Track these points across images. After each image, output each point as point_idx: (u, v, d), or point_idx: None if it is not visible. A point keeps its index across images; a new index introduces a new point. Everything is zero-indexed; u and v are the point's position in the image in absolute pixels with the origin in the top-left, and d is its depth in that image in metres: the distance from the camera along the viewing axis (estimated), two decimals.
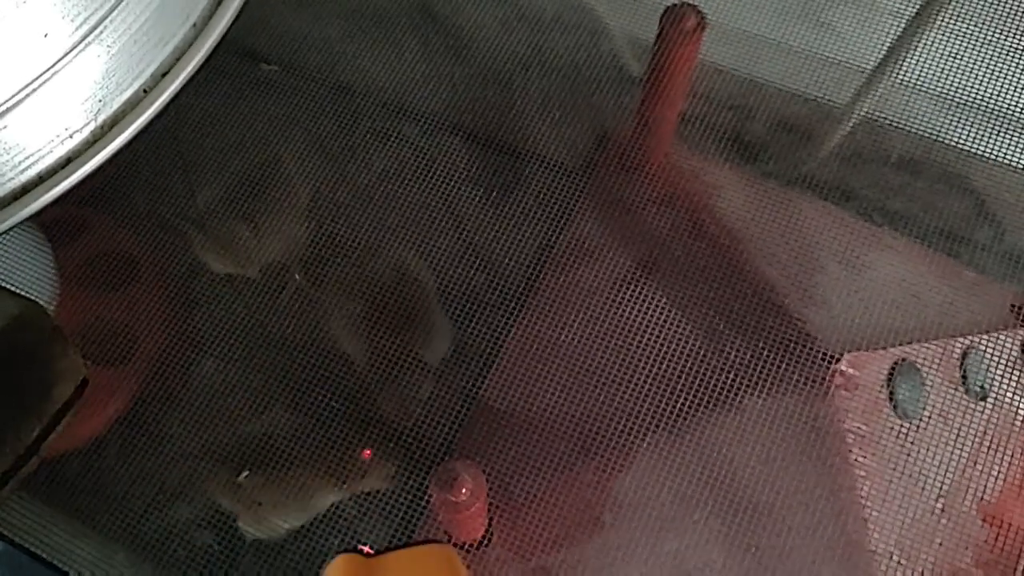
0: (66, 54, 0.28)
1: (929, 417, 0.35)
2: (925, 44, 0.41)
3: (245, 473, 0.36)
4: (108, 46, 0.29)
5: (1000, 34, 0.41)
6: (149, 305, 0.40)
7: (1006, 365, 0.36)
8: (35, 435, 0.30)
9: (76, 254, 0.42)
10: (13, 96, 0.28)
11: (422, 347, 0.38)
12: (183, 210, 0.42)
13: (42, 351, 0.30)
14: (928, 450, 0.34)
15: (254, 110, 0.44)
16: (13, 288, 0.34)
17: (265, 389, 0.38)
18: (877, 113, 0.41)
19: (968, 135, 0.40)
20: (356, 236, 0.41)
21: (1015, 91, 0.40)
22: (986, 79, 0.41)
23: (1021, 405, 0.35)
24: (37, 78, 0.28)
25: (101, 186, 0.43)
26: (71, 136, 0.29)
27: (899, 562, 0.33)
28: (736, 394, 0.35)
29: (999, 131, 0.40)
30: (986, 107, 0.40)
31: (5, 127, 0.28)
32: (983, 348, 0.36)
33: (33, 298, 0.32)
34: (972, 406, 0.35)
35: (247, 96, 0.44)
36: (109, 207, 0.43)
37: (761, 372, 0.36)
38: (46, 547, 0.36)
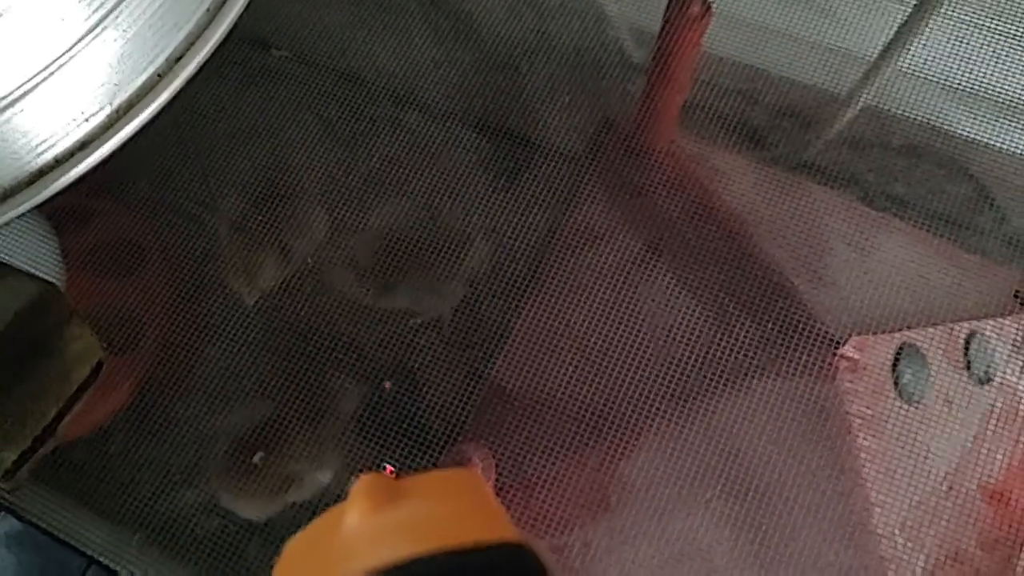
0: (82, 38, 0.28)
1: (933, 401, 0.35)
2: (928, 32, 0.42)
3: (260, 454, 0.36)
4: (123, 31, 0.29)
5: (1002, 21, 0.41)
6: (156, 292, 0.40)
7: (1009, 350, 0.36)
8: (53, 416, 0.30)
9: (83, 242, 0.42)
10: (30, 80, 0.28)
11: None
12: (192, 197, 0.42)
13: (60, 333, 0.30)
14: (932, 433, 0.35)
15: (264, 97, 0.44)
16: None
17: (274, 373, 0.38)
18: (880, 100, 0.41)
19: (971, 122, 0.40)
20: (366, 220, 0.41)
21: (1018, 78, 0.40)
22: (989, 66, 0.41)
23: None
24: (53, 62, 0.28)
25: (110, 174, 0.43)
26: (87, 120, 0.29)
27: (904, 543, 0.33)
28: (743, 376, 0.36)
29: (1002, 118, 0.40)
30: (989, 94, 0.40)
31: (22, 111, 0.28)
32: (987, 333, 0.36)
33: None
34: (976, 390, 0.35)
35: (257, 83, 0.44)
36: (116, 195, 0.43)
37: (768, 354, 0.36)
38: (58, 531, 0.36)
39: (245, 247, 0.41)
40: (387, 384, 0.37)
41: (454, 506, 0.17)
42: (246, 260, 0.40)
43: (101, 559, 0.35)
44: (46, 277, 0.37)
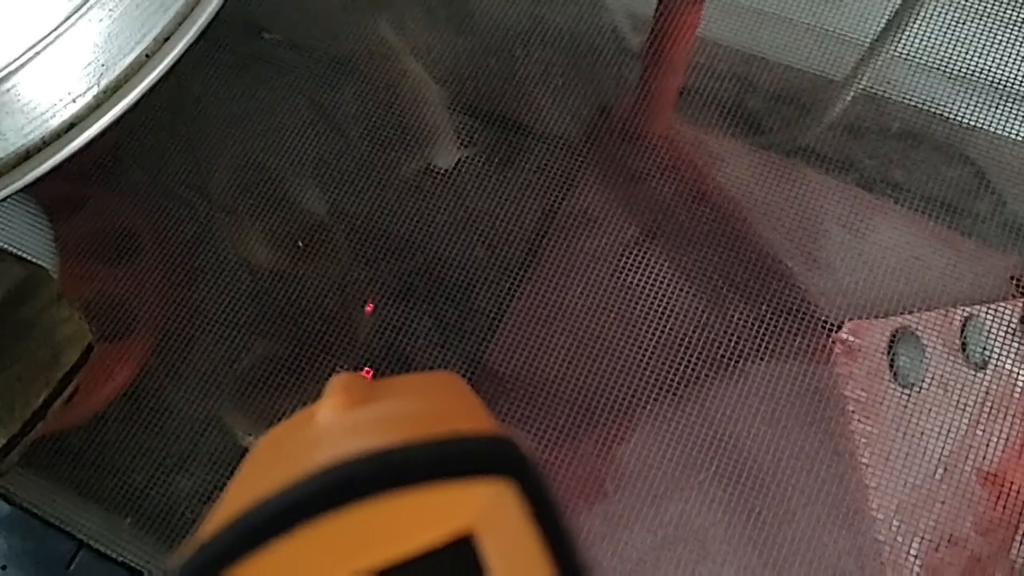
0: (68, 17, 0.28)
1: (929, 385, 0.35)
2: (925, 16, 0.41)
3: (251, 437, 0.36)
4: (110, 10, 0.29)
5: (1000, 5, 0.41)
6: (151, 279, 0.40)
7: (1006, 334, 0.36)
8: (42, 400, 0.30)
9: (76, 229, 0.42)
10: (16, 60, 0.28)
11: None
12: (185, 182, 0.42)
13: (48, 316, 0.30)
14: (928, 417, 0.35)
15: (256, 81, 0.44)
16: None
17: (269, 358, 0.38)
18: (877, 85, 0.41)
19: (969, 107, 0.40)
20: (359, 204, 0.41)
21: (1016, 63, 0.40)
22: (986, 51, 0.41)
23: (1020, 374, 0.35)
24: (40, 41, 0.28)
25: (102, 160, 0.43)
26: (74, 100, 0.29)
27: (899, 527, 0.33)
28: (739, 360, 0.36)
29: (999, 103, 0.40)
30: (987, 79, 0.40)
31: (8, 91, 0.28)
32: (983, 317, 0.36)
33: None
34: (972, 375, 0.35)
35: (249, 67, 0.44)
36: (109, 181, 0.43)
37: (764, 338, 0.36)
38: (50, 516, 0.36)
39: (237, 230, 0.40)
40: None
41: (432, 401, 0.16)
42: (237, 243, 0.40)
43: (93, 544, 0.35)
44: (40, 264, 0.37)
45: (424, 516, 0.13)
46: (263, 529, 0.12)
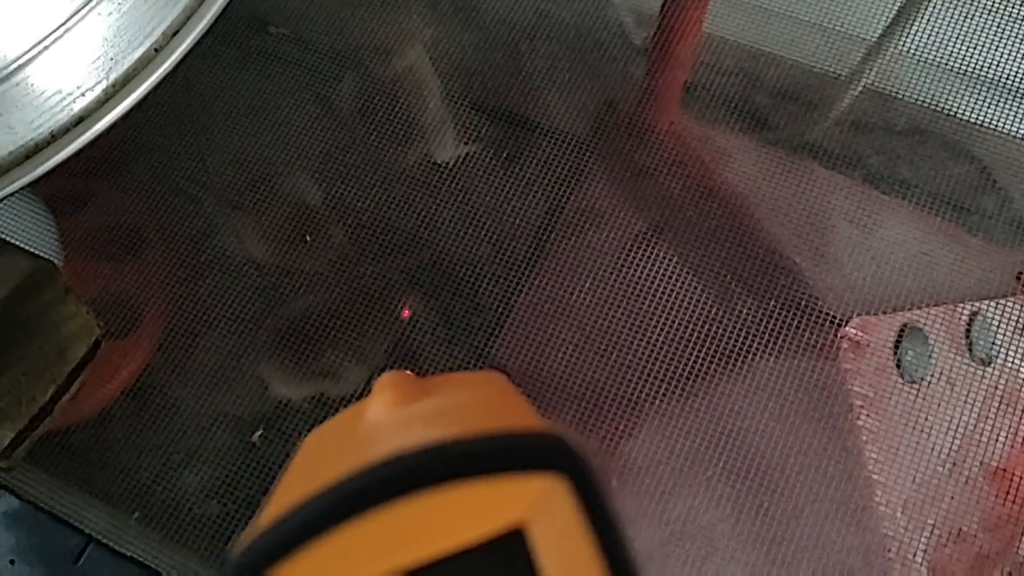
0: (77, 11, 0.28)
1: (935, 381, 0.35)
2: (931, 12, 0.41)
3: (259, 432, 0.36)
4: (119, 4, 0.29)
5: (1006, 2, 0.41)
6: (156, 275, 0.40)
7: (1011, 331, 0.36)
8: (49, 395, 0.30)
9: (81, 225, 0.42)
10: (25, 53, 0.28)
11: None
12: (190, 177, 0.42)
13: (55, 311, 0.30)
14: (934, 413, 0.35)
15: (262, 76, 0.44)
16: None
17: (274, 354, 0.38)
18: (883, 82, 0.41)
19: (974, 104, 0.40)
20: (365, 199, 0.41)
21: (1021, 60, 0.40)
22: (992, 48, 0.41)
23: None
24: (49, 35, 0.28)
25: (107, 156, 0.43)
26: (83, 94, 0.29)
27: (906, 523, 0.33)
28: (746, 355, 0.36)
29: (1005, 100, 0.40)
30: (993, 76, 0.40)
31: (17, 85, 0.28)
32: (989, 314, 0.36)
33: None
34: (978, 371, 0.35)
35: (255, 62, 0.44)
36: (114, 177, 0.43)
37: (771, 334, 0.36)
38: (60, 513, 0.36)
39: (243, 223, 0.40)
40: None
41: (482, 398, 0.16)
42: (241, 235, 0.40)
43: (100, 539, 0.35)
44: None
45: (477, 509, 0.13)
46: (322, 519, 0.13)
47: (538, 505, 0.13)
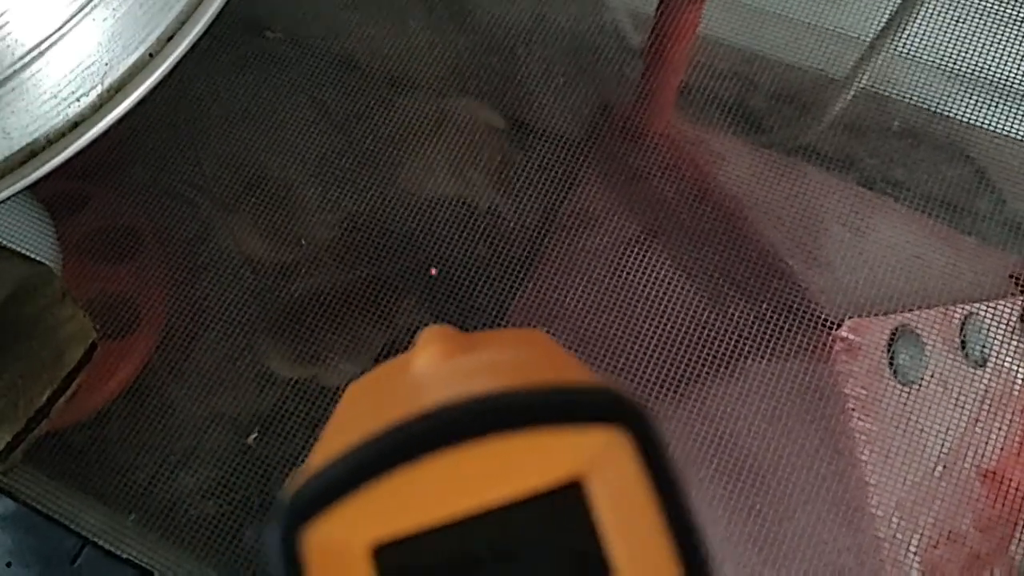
0: (72, 17, 0.28)
1: (929, 383, 0.35)
2: (925, 13, 0.41)
3: (254, 434, 0.36)
4: (113, 9, 0.29)
5: (1000, 3, 0.41)
6: (153, 277, 0.40)
7: (1005, 332, 0.36)
8: (46, 398, 0.30)
9: (78, 227, 0.42)
10: (20, 59, 0.28)
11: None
12: (186, 181, 0.42)
13: (52, 314, 0.30)
14: (928, 415, 0.35)
15: (258, 80, 0.44)
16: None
17: (271, 355, 0.38)
18: (878, 83, 0.41)
19: (969, 105, 0.40)
20: (361, 202, 0.41)
21: (1016, 61, 0.40)
22: (987, 49, 0.41)
23: (1019, 372, 0.35)
24: (44, 40, 0.28)
25: (104, 159, 0.43)
26: (78, 100, 0.29)
27: (899, 524, 0.33)
28: (739, 357, 0.36)
29: (1000, 101, 0.40)
30: (987, 78, 0.40)
31: (13, 89, 0.28)
32: (982, 315, 0.36)
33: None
34: (971, 372, 0.35)
35: (251, 66, 0.44)
36: (112, 180, 0.43)
37: (764, 335, 0.36)
38: (54, 513, 0.36)
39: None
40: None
41: (532, 353, 0.16)
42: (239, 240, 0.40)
43: (97, 540, 0.35)
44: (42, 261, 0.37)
45: (534, 460, 0.13)
46: (374, 464, 0.12)
47: (597, 458, 0.13)
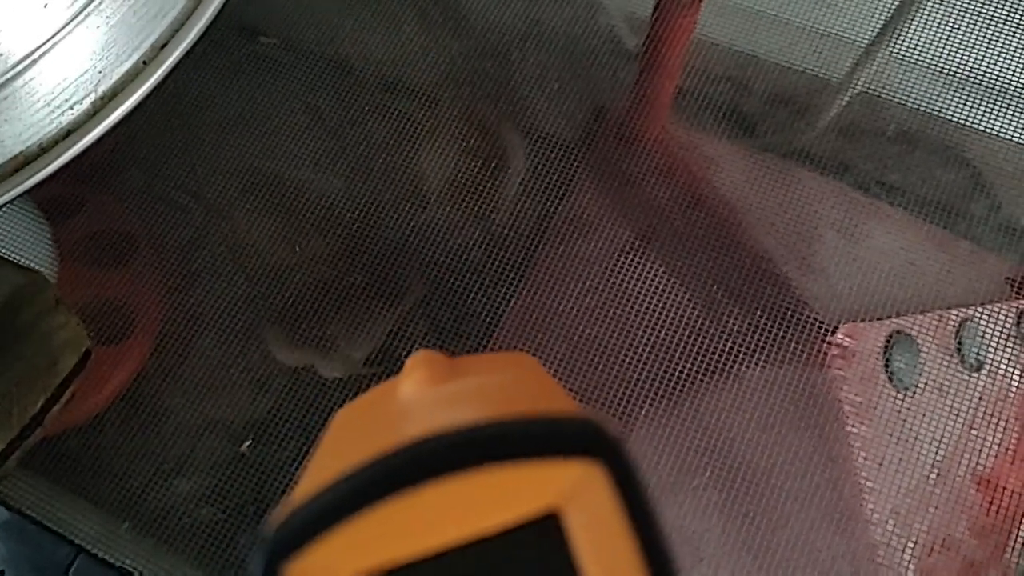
0: (65, 25, 0.28)
1: (924, 387, 0.35)
2: (921, 17, 0.41)
3: (248, 442, 0.36)
4: (107, 17, 0.29)
5: (995, 6, 0.41)
6: (147, 282, 0.40)
7: (1001, 337, 0.36)
8: (40, 406, 0.30)
9: (74, 232, 0.42)
10: (13, 68, 0.28)
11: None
12: (181, 186, 0.42)
13: (46, 322, 0.30)
14: (923, 420, 0.35)
15: (252, 85, 0.44)
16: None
17: (265, 362, 0.38)
18: (873, 86, 0.41)
19: (965, 108, 0.40)
20: (355, 208, 0.41)
21: (1012, 64, 0.40)
22: (982, 51, 0.41)
23: (1015, 376, 0.35)
24: (37, 49, 0.28)
25: (99, 163, 0.43)
26: (71, 108, 0.29)
27: (894, 529, 0.33)
28: (734, 363, 0.36)
29: (996, 104, 0.40)
30: (983, 80, 0.40)
31: (6, 98, 0.28)
32: (978, 320, 0.36)
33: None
34: (967, 377, 0.35)
35: (245, 71, 0.44)
36: (107, 185, 0.43)
37: (759, 342, 0.36)
38: (48, 521, 0.36)
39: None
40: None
41: (515, 381, 0.16)
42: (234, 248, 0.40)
43: (91, 549, 0.35)
44: (40, 267, 0.37)
45: (512, 492, 0.13)
46: (355, 498, 0.13)
47: (574, 490, 0.13)
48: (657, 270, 0.38)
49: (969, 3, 0.41)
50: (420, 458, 0.13)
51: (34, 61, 0.28)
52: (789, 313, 0.36)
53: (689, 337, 0.36)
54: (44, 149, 0.29)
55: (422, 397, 0.15)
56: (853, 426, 0.34)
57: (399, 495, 0.13)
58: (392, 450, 0.13)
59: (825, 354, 0.35)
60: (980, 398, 0.35)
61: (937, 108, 0.40)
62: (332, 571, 0.13)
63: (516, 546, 0.13)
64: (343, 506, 0.13)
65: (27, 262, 0.40)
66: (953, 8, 0.41)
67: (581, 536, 0.13)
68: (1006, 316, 0.36)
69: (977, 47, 0.41)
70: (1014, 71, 0.40)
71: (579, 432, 0.13)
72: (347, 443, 0.15)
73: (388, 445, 0.13)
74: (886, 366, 0.35)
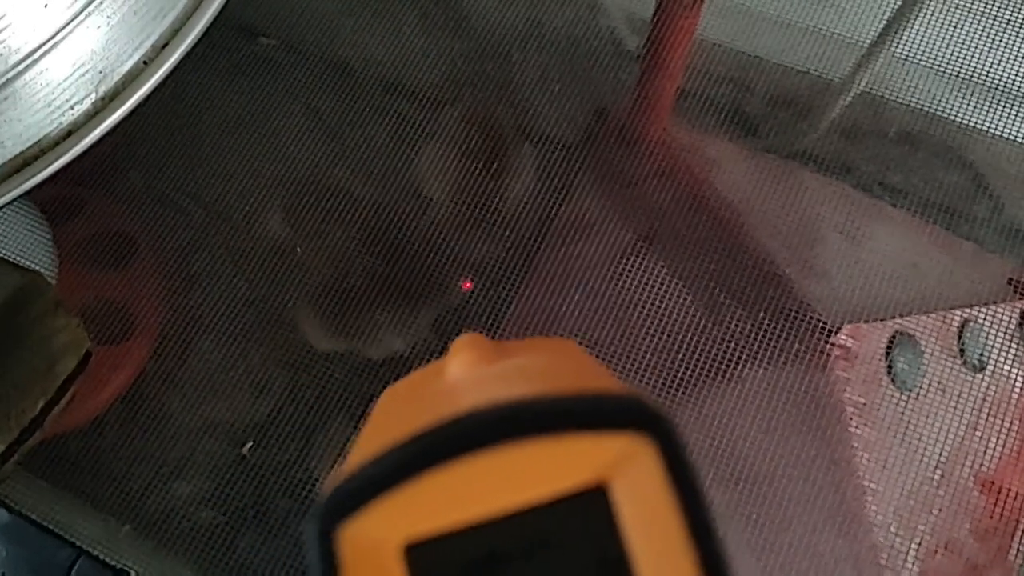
0: (66, 24, 0.28)
1: (927, 388, 0.35)
2: (923, 17, 0.41)
3: (249, 444, 0.36)
4: (108, 17, 0.29)
5: (998, 6, 0.41)
6: (148, 283, 0.40)
7: (1003, 337, 0.36)
8: (39, 408, 0.30)
9: (74, 233, 0.42)
10: (14, 67, 0.28)
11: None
12: (181, 188, 0.42)
13: (45, 324, 0.30)
14: (926, 421, 0.35)
15: (252, 86, 0.44)
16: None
17: (265, 364, 0.38)
18: (875, 87, 0.41)
19: (967, 109, 0.40)
20: (355, 210, 0.41)
21: (1015, 65, 0.40)
22: (985, 52, 0.41)
23: (1018, 377, 0.35)
24: (38, 49, 0.28)
25: (99, 165, 0.43)
26: (72, 108, 0.29)
27: (897, 531, 0.33)
28: (736, 365, 0.36)
29: (998, 105, 0.40)
30: (985, 81, 0.40)
31: (6, 98, 0.28)
32: (981, 320, 0.36)
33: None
34: (970, 378, 0.35)
35: (245, 72, 0.44)
36: (107, 186, 0.43)
37: (761, 343, 0.36)
38: (48, 523, 0.36)
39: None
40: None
41: (561, 361, 0.16)
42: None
43: (91, 551, 0.35)
44: (40, 269, 0.37)
45: (560, 465, 0.13)
46: (406, 467, 0.13)
47: (621, 463, 0.13)
48: (659, 272, 0.38)
49: (971, 4, 0.41)
50: (469, 429, 0.13)
51: (35, 61, 0.28)
52: (791, 315, 0.36)
53: (691, 338, 0.36)
54: (44, 150, 0.29)
55: (470, 376, 0.16)
56: (856, 428, 0.34)
57: (449, 465, 0.13)
58: (442, 422, 0.13)
59: (828, 355, 0.35)
60: (983, 399, 0.35)
61: (939, 109, 0.40)
62: (383, 536, 0.13)
63: (563, 516, 0.13)
64: (394, 474, 0.13)
65: (27, 264, 0.40)
66: (955, 9, 0.41)
67: (627, 509, 0.13)
68: (1009, 317, 0.36)
69: (980, 48, 0.41)
70: (1017, 72, 0.40)
71: (627, 407, 0.13)
72: (395, 418, 0.15)
73: (437, 419, 0.13)
74: (889, 367, 0.35)
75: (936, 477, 0.34)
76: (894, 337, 0.36)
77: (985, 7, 0.41)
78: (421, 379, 0.17)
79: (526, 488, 0.13)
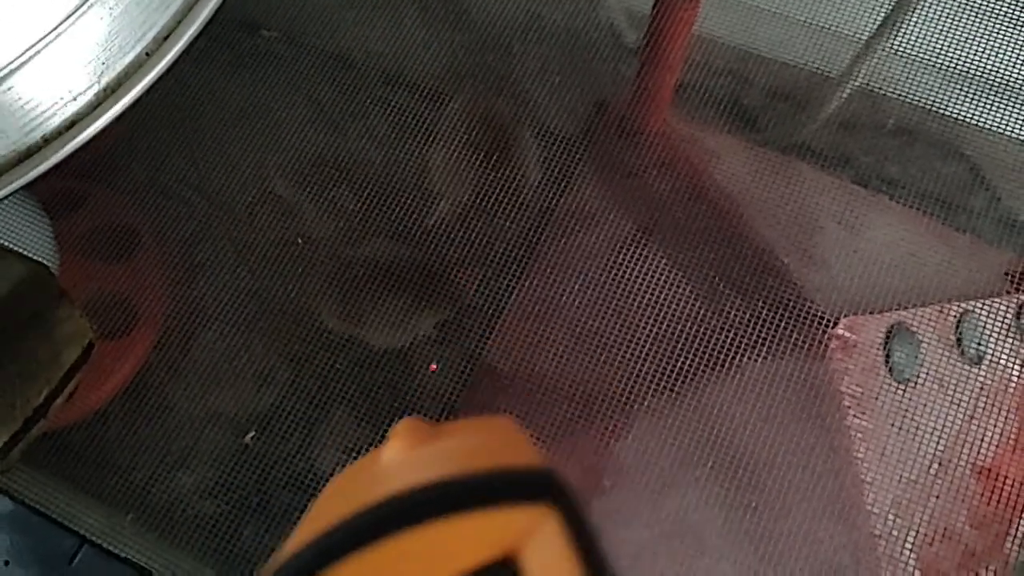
0: (69, 16, 0.28)
1: (924, 380, 0.35)
2: (921, 12, 0.41)
3: (251, 434, 0.36)
4: (110, 8, 0.29)
5: (995, 1, 0.41)
6: (150, 276, 0.40)
7: (1000, 329, 0.36)
8: (43, 398, 0.30)
9: (76, 227, 0.42)
10: (17, 58, 0.28)
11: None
12: (183, 180, 0.42)
13: (49, 314, 0.30)
14: (924, 412, 0.35)
15: (254, 79, 0.44)
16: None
17: (268, 355, 0.38)
18: (873, 81, 0.41)
19: (964, 103, 0.40)
20: (357, 201, 0.41)
21: (1011, 60, 0.40)
22: (982, 46, 0.41)
23: (1015, 369, 0.36)
24: (40, 40, 0.28)
25: (101, 158, 0.43)
26: (75, 99, 0.29)
27: (895, 521, 0.33)
28: (735, 355, 0.36)
29: (995, 99, 0.40)
30: (982, 76, 0.40)
31: (9, 89, 0.28)
32: (978, 313, 0.36)
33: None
34: (967, 369, 0.36)
35: (247, 65, 0.44)
36: (109, 179, 0.43)
37: (760, 334, 0.36)
38: (53, 513, 0.36)
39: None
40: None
41: (487, 441, 0.17)
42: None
43: (95, 540, 0.35)
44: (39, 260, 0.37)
45: (474, 538, 0.14)
46: (335, 549, 0.14)
47: (529, 533, 0.14)
48: (659, 262, 0.38)
49: None
50: (393, 512, 0.14)
51: (38, 53, 0.28)
52: (790, 305, 0.36)
53: (691, 329, 0.36)
54: (47, 141, 0.29)
55: (401, 460, 0.17)
56: (854, 418, 0.34)
57: (373, 546, 0.14)
58: (368, 506, 0.14)
59: (826, 346, 0.35)
60: (980, 390, 0.35)
61: (936, 103, 0.40)
62: None
63: None
64: (324, 558, 0.14)
65: (23, 253, 0.40)
66: (952, 3, 0.41)
67: (536, 574, 0.14)
68: (1006, 309, 0.36)
69: (976, 42, 0.41)
70: (1013, 66, 0.40)
71: (531, 480, 0.15)
72: (334, 503, 0.16)
73: (367, 502, 0.14)
74: (887, 358, 0.36)
75: (934, 467, 0.34)
76: (892, 329, 0.36)
77: (982, 2, 0.41)
78: (360, 467, 0.18)
79: (445, 564, 0.14)
